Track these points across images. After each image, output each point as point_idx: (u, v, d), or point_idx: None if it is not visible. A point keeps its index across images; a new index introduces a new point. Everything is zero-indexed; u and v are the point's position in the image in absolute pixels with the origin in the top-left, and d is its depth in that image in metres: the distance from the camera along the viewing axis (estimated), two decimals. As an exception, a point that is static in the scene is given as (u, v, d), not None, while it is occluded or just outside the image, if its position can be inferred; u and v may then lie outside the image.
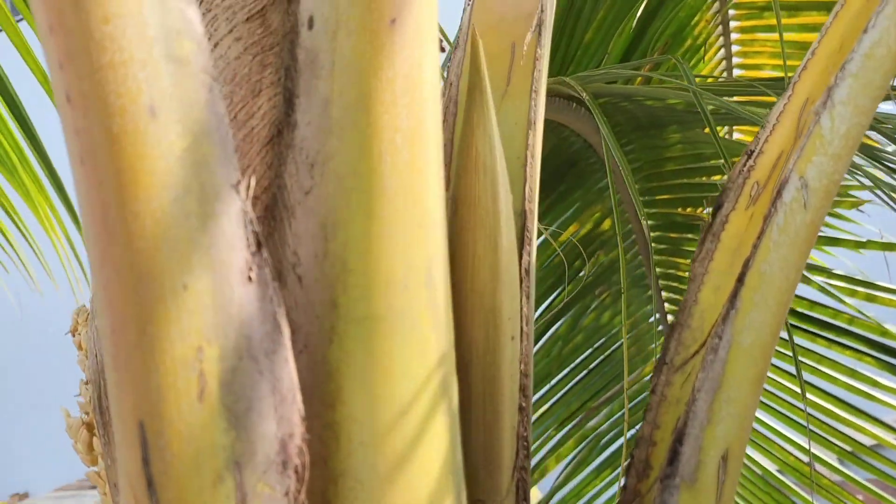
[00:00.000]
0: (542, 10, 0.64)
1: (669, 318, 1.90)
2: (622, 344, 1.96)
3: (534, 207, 0.60)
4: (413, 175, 0.48)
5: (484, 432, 0.53)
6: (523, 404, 0.56)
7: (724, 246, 0.58)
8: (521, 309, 0.57)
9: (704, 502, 0.48)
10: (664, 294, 1.86)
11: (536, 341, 1.83)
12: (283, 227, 0.50)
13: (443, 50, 0.63)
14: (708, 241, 0.59)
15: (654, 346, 1.92)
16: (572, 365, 1.95)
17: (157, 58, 0.40)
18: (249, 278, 0.43)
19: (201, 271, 0.41)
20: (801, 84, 0.57)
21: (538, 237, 1.79)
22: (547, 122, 1.65)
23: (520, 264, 0.57)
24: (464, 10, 0.69)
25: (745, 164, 0.59)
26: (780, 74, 1.68)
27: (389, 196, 0.47)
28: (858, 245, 1.71)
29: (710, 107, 1.60)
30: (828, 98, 0.51)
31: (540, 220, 1.78)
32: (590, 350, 1.93)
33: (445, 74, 0.69)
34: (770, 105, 1.26)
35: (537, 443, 1.79)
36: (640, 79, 1.63)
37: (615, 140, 1.24)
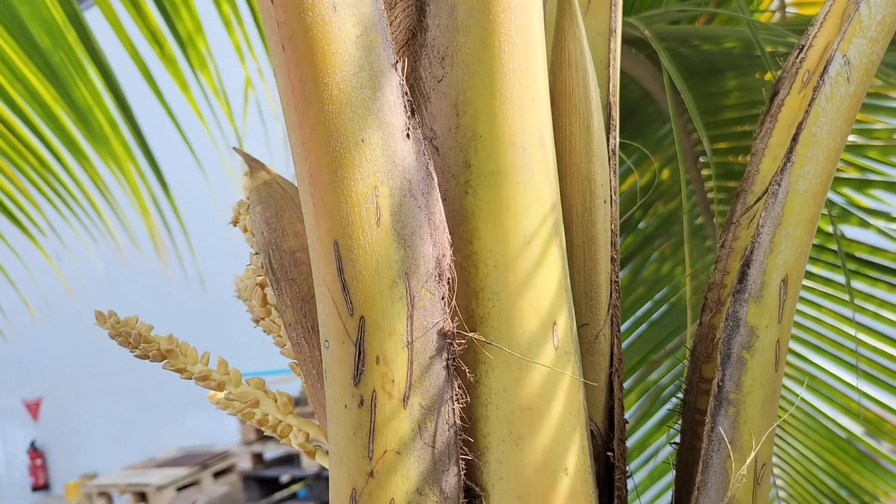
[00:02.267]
0: (617, -63, 0.75)
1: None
2: (683, 294, 2.02)
3: (616, 101, 0.72)
4: (525, 61, 0.60)
5: (584, 276, 0.66)
6: (614, 256, 0.68)
7: (780, 125, 0.69)
8: (611, 180, 0.69)
9: (769, 314, 0.59)
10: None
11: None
12: (420, 110, 0.62)
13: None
14: (767, 121, 0.70)
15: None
16: (633, 318, 2.01)
17: (339, -34, 0.53)
18: (408, 136, 0.56)
19: (374, 129, 0.54)
20: (845, -16, 0.68)
21: None
22: None
23: (608, 143, 0.69)
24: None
25: (797, 57, 0.70)
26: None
27: (508, 77, 0.59)
28: None
29: (768, 48, 1.67)
30: (866, -12, 0.62)
31: None
32: (650, 303, 1.98)
33: None
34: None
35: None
36: (701, 20, 1.69)
37: (682, 82, 1.30)
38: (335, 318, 0.55)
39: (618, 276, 0.67)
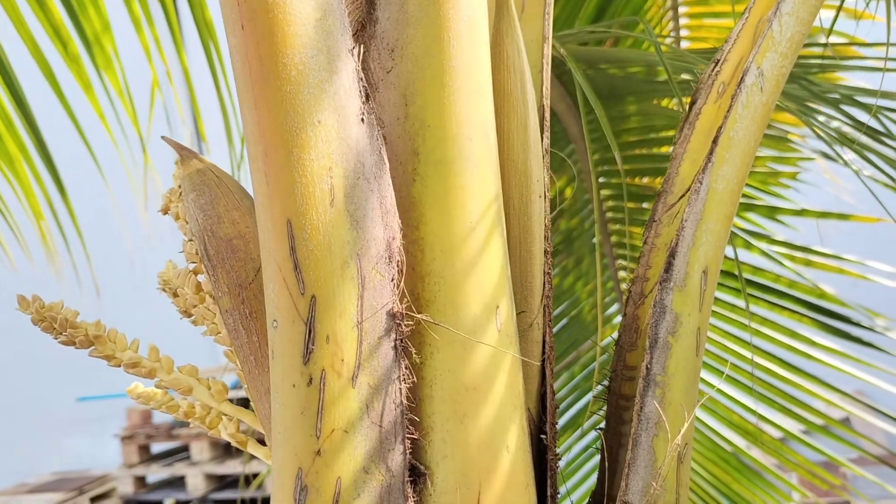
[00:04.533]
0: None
1: (623, 286, 2.04)
2: (582, 308, 2.09)
3: (548, 103, 0.76)
4: (472, 55, 0.63)
5: (521, 267, 0.68)
6: (548, 249, 0.71)
7: (697, 131, 0.74)
8: (545, 177, 0.72)
9: (691, 302, 0.64)
10: (618, 262, 2.00)
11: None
12: (369, 102, 0.64)
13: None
14: (686, 128, 0.75)
15: (610, 311, 2.05)
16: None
17: (300, -50, 0.54)
18: (362, 119, 0.57)
19: (330, 111, 0.55)
20: (756, 7, 0.74)
21: None
22: None
23: (542, 143, 0.73)
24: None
25: (713, 70, 0.76)
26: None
27: (456, 70, 0.62)
28: (796, 213, 1.87)
29: (664, 76, 1.77)
30: (777, 10, 0.69)
31: None
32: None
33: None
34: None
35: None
36: (607, 43, 1.78)
37: (598, 102, 1.35)
38: (286, 298, 0.55)
39: (550, 268, 0.71)
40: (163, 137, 0.84)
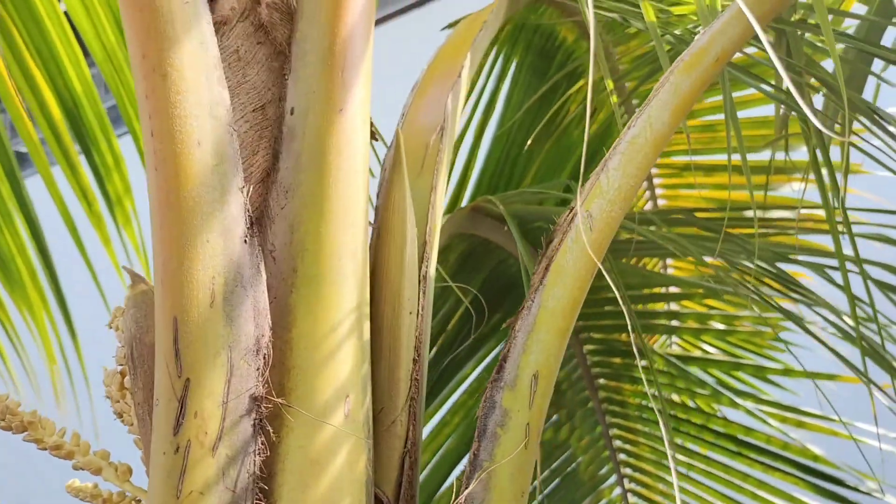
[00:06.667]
0: (444, 121, 0.99)
1: (616, 443, 2.05)
2: (578, 465, 2.06)
3: (433, 239, 0.91)
4: (348, 196, 0.79)
5: (388, 370, 0.81)
6: (416, 358, 0.83)
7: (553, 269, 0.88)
8: (420, 298, 0.86)
9: (521, 400, 0.75)
10: (608, 419, 2.03)
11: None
12: (266, 231, 0.80)
13: (374, 136, 0.96)
14: (543, 260, 0.89)
15: (604, 470, 2.05)
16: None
17: (204, 114, 0.73)
18: (245, 241, 0.73)
19: (218, 233, 0.71)
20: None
21: (489, 355, 1.96)
22: (485, 244, 1.92)
23: (420, 269, 0.88)
24: (397, 123, 1.04)
25: (567, 216, 0.91)
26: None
27: (333, 206, 0.78)
28: (785, 372, 1.91)
29: (625, 235, 1.89)
30: (605, 166, 0.85)
31: (485, 342, 1.95)
32: (547, 472, 2.03)
33: (382, 164, 1.02)
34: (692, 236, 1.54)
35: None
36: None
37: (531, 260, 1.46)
38: (166, 380, 0.68)
39: (420, 375, 0.83)
40: (123, 267, 1.01)
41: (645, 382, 1.86)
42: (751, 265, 1.43)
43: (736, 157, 1.91)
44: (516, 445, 0.73)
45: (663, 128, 0.86)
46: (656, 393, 1.74)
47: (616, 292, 1.07)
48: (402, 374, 0.81)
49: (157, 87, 0.72)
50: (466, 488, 0.71)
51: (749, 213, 1.88)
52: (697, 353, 2.02)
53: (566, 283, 0.79)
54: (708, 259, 1.54)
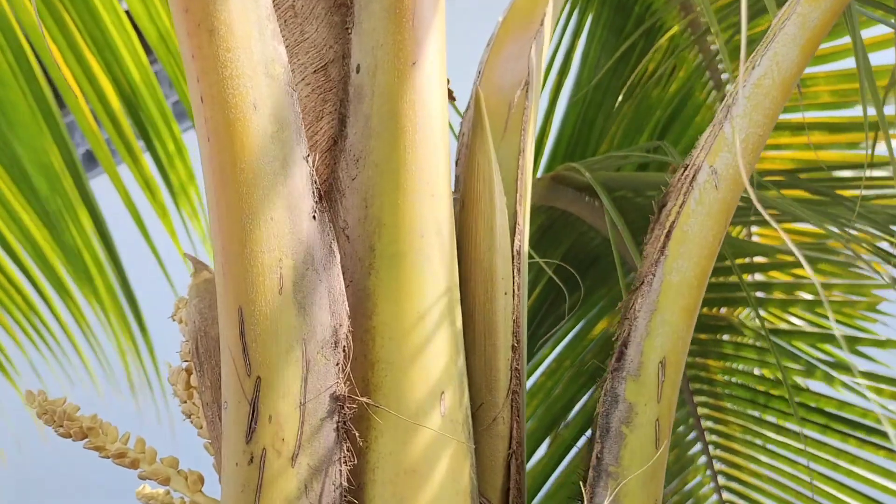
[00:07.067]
0: (528, 75, 0.87)
1: (706, 423, 1.93)
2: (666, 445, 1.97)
3: (525, 208, 0.80)
4: (426, 162, 0.68)
5: (485, 361, 0.70)
6: (515, 345, 0.72)
7: (674, 236, 0.76)
8: (514, 276, 0.75)
9: (647, 392, 0.63)
10: (696, 398, 1.91)
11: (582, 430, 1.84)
12: (336, 205, 0.70)
13: (451, 97, 0.85)
14: (657, 229, 0.77)
15: (693, 451, 1.94)
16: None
17: (259, 73, 0.63)
18: (314, 217, 0.63)
19: (282, 209, 0.61)
20: (720, 113, 0.78)
21: (568, 335, 1.87)
22: (564, 217, 1.80)
23: (512, 243, 0.76)
24: (473, 81, 0.92)
25: (682, 174, 0.78)
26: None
27: (410, 175, 0.67)
28: (879, 343, 1.77)
29: None
30: (728, 112, 0.72)
31: (565, 321, 1.86)
32: None
33: (460, 128, 0.91)
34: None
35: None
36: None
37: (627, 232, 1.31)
38: (234, 379, 0.59)
39: (520, 364, 0.72)
40: (185, 254, 0.93)
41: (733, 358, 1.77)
42: (869, 230, 1.29)
43: (828, 114, 1.76)
44: (646, 446, 0.61)
45: (792, 67, 0.72)
46: (745, 369, 1.63)
47: (732, 264, 0.94)
48: (500, 364, 0.70)
49: (203, 44, 0.62)
50: (591, 497, 0.60)
51: (845, 174, 1.76)
52: (783, 326, 1.90)
53: (691, 253, 0.67)
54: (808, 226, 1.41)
